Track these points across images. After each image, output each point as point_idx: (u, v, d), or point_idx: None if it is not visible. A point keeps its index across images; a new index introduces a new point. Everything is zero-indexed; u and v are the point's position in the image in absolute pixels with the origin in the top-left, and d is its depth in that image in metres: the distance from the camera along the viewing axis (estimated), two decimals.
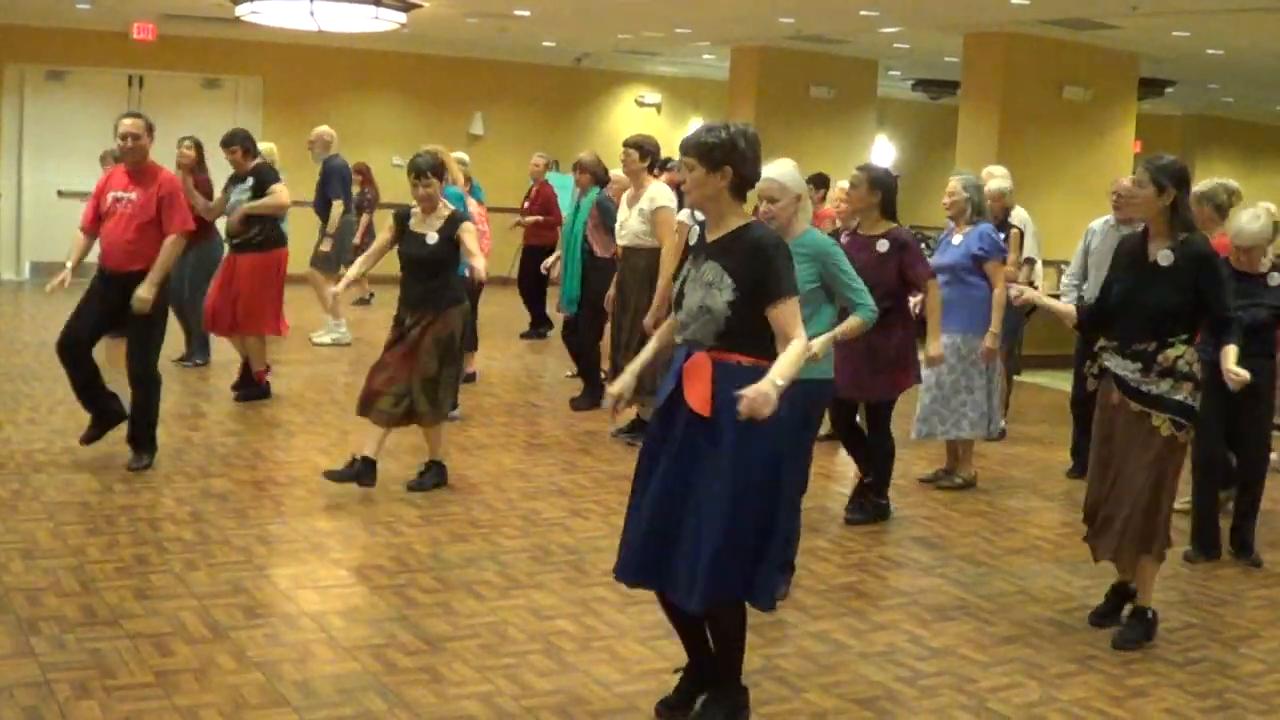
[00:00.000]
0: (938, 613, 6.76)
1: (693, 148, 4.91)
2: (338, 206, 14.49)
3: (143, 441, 8.84)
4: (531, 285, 16.05)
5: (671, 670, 5.40)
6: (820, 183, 13.61)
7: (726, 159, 4.86)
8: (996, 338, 9.06)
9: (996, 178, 10.70)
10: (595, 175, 11.35)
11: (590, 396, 11.59)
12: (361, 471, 8.41)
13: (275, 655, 5.70)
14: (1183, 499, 7.53)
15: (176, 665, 5.51)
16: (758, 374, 4.73)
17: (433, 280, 8.51)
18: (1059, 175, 16.38)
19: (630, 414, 10.32)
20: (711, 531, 4.75)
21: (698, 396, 4.83)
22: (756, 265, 4.83)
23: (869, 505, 8.48)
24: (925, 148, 25.90)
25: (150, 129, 8.75)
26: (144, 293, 8.49)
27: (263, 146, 12.44)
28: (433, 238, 8.48)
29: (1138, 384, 6.21)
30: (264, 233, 11.27)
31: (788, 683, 5.69)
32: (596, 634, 6.15)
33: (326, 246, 14.52)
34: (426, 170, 8.48)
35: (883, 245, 8.09)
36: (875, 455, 8.49)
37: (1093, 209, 9.84)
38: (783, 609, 6.59)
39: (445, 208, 8.61)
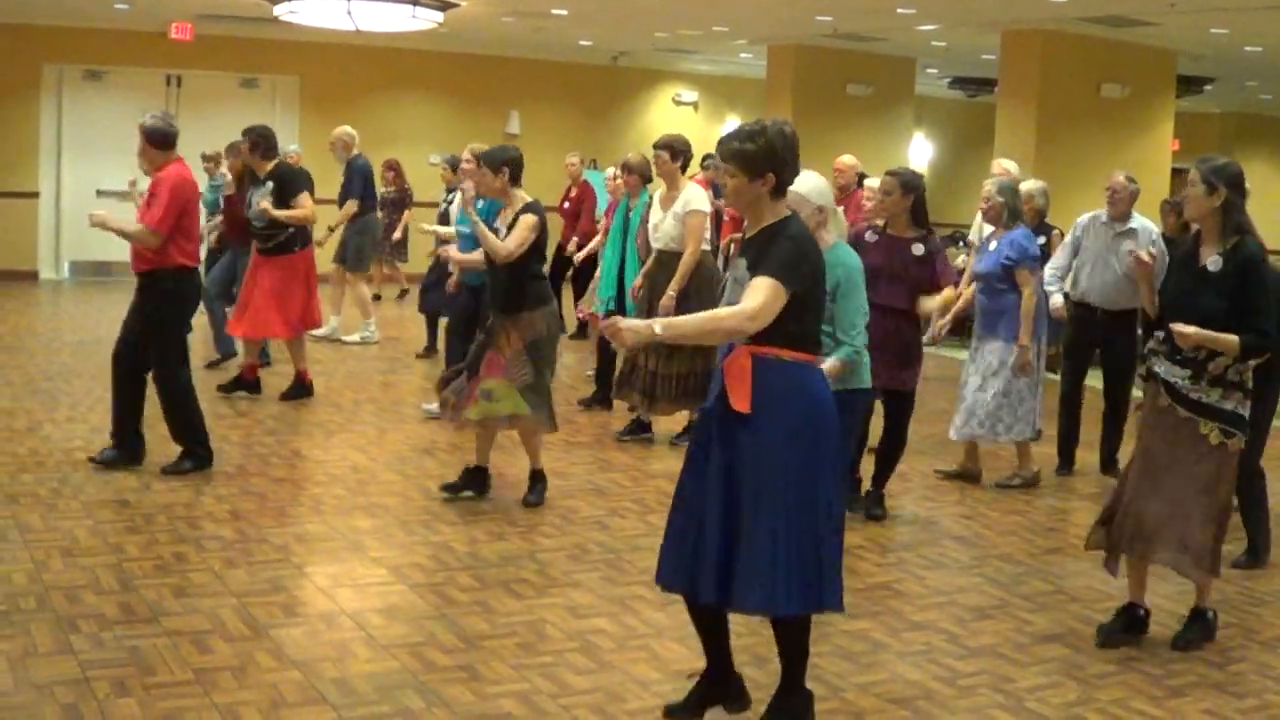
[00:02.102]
0: (976, 612, 6.74)
1: (734, 157, 4.85)
2: (350, 205, 14.47)
3: (181, 444, 8.78)
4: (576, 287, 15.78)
5: (686, 676, 5.41)
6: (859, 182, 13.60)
7: (769, 166, 4.82)
8: (1026, 350, 9.02)
9: (1025, 180, 10.66)
10: (644, 177, 11.25)
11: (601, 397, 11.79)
12: (470, 480, 8.50)
13: (314, 653, 5.72)
14: None
15: (215, 663, 5.53)
16: (800, 369, 4.78)
17: (511, 279, 8.17)
18: (1096, 173, 16.20)
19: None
20: (775, 538, 4.74)
21: (738, 394, 4.79)
22: (766, 251, 4.80)
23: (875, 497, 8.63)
24: (962, 146, 25.84)
25: None
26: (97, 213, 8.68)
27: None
28: (503, 233, 8.20)
29: (1187, 391, 6.14)
30: (286, 235, 11.19)
31: (826, 682, 5.68)
32: (634, 633, 6.15)
33: (320, 236, 14.40)
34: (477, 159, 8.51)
35: (918, 249, 8.29)
36: (895, 448, 8.62)
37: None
38: None
39: (519, 200, 8.26)
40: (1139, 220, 9.66)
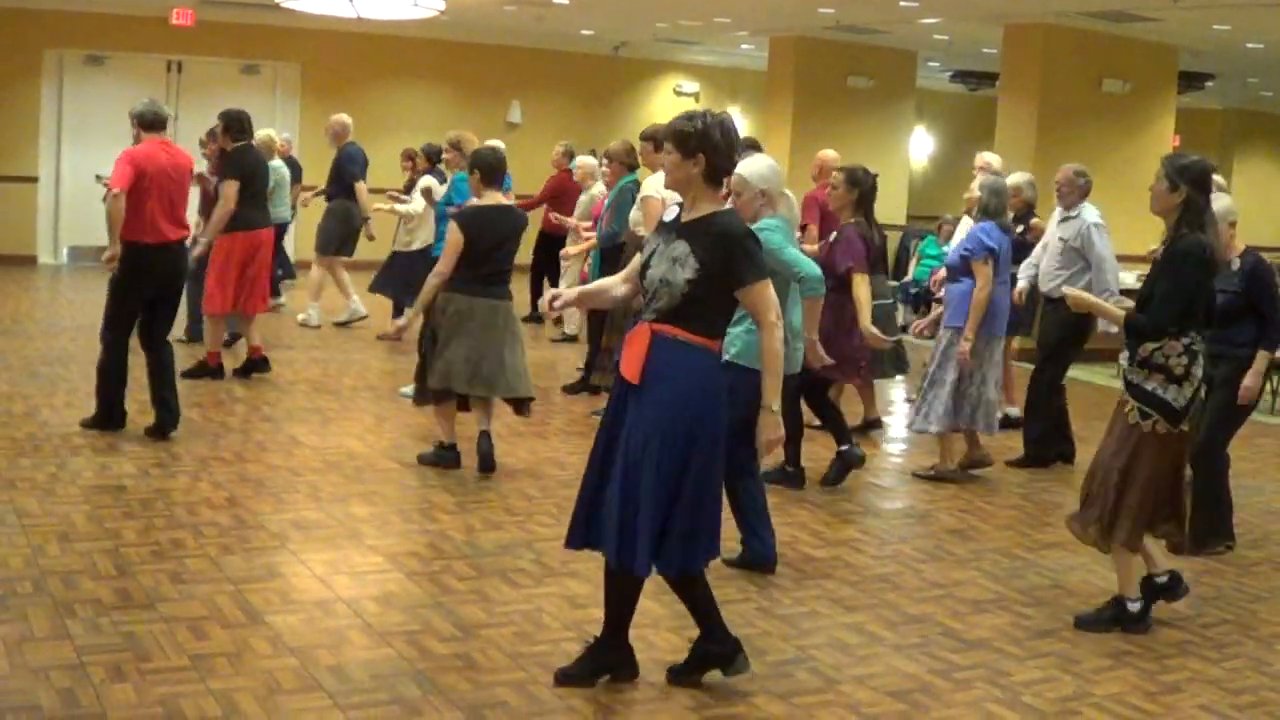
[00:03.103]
0: (972, 605, 6.75)
1: (670, 135, 5.18)
2: (362, 188, 14.58)
3: (97, 398, 9.30)
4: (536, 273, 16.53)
5: (583, 641, 5.64)
6: None
7: (700, 147, 5.11)
8: (969, 342, 8.98)
9: (1011, 174, 10.79)
10: (626, 164, 11.27)
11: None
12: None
13: (310, 640, 5.72)
14: None
15: (211, 649, 5.53)
16: (698, 352, 5.10)
17: None
18: (1097, 168, 16.03)
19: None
20: (641, 497, 5.12)
21: (630, 365, 5.14)
22: (725, 251, 5.08)
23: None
24: (964, 140, 25.76)
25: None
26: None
27: (261, 134, 12.29)
28: None
29: (1125, 373, 6.46)
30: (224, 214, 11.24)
31: (821, 674, 5.69)
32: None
33: (375, 232, 14.68)
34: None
35: (833, 235, 8.92)
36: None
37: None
38: (817, 600, 6.60)
39: (487, 200, 8.75)
40: (1085, 210, 9.80)
